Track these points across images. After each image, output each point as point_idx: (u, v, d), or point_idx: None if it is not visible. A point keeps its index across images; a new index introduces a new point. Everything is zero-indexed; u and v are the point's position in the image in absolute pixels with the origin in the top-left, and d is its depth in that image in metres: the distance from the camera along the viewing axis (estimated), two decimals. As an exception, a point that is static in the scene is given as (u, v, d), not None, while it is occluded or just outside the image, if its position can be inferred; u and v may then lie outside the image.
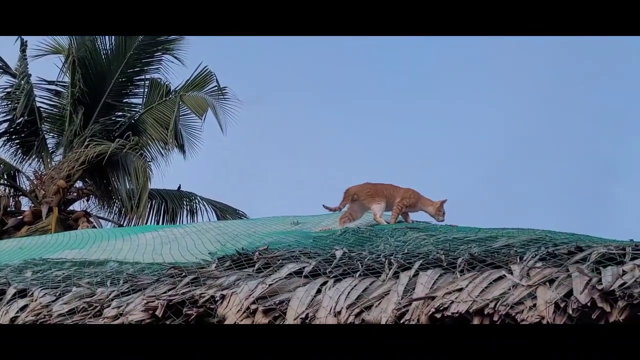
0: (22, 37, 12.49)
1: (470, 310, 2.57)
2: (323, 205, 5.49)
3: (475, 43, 16.04)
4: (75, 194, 12.41)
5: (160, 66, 13.14)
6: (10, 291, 3.59)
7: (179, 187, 13.05)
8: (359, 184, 5.51)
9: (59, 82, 12.82)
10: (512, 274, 2.73)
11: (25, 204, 12.23)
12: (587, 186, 17.05)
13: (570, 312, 2.40)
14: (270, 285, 3.06)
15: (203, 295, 3.12)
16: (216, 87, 12.72)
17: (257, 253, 3.56)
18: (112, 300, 3.33)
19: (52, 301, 3.45)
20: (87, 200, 12.65)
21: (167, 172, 12.85)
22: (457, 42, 16.38)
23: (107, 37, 12.69)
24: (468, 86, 18.86)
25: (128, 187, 11.65)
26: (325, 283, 3.03)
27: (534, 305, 2.50)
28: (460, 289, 2.70)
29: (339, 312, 2.81)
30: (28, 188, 12.33)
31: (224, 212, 12.65)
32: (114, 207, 12.55)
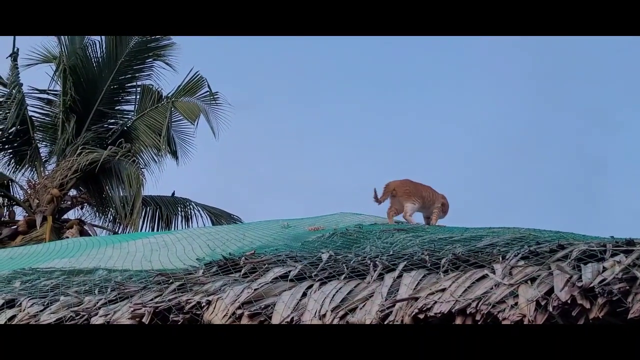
0: (14, 46, 12.51)
1: (453, 310, 2.58)
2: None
3: (460, 42, 16.08)
4: (69, 203, 12.38)
5: (152, 72, 13.14)
6: (-2, 302, 3.59)
7: (173, 193, 13.05)
8: (400, 179, 5.56)
9: (50, 90, 12.80)
10: (494, 273, 2.74)
11: (20, 214, 12.22)
12: (575, 183, 17.10)
13: (551, 309, 2.41)
14: (255, 289, 3.07)
15: (189, 301, 3.13)
16: (208, 93, 12.72)
17: (243, 258, 3.57)
18: (100, 308, 3.33)
19: (40, 311, 3.45)
20: (82, 209, 12.64)
21: (160, 178, 12.85)
22: (443, 41, 16.42)
23: (97, 44, 12.69)
24: (453, 84, 18.92)
25: (122, 194, 11.64)
26: (310, 286, 3.05)
27: (516, 303, 2.51)
28: (444, 289, 2.72)
29: (324, 315, 2.82)
30: (22, 197, 12.31)
31: (218, 217, 12.64)
32: (109, 215, 12.54)
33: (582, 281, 2.43)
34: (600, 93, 17.19)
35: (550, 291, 2.48)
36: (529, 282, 2.59)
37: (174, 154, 12.95)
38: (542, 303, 2.45)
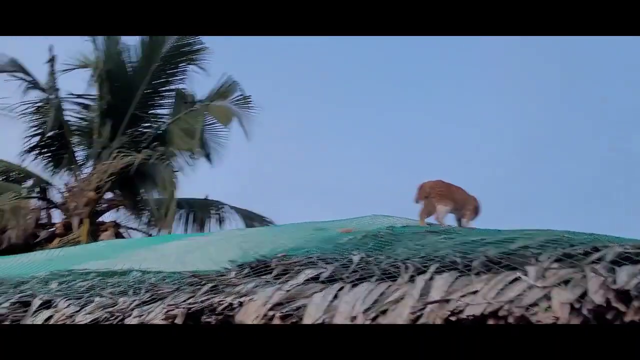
0: (51, 52, 12.75)
1: (485, 313, 2.56)
2: None
3: (482, 43, 15.94)
4: (105, 205, 12.59)
5: (185, 76, 13.28)
6: (36, 302, 3.66)
7: (207, 196, 13.16)
8: (433, 180, 5.55)
9: (86, 95, 13.04)
10: (527, 275, 2.71)
11: (57, 216, 12.45)
12: (611, 184, 16.79)
13: (585, 312, 2.38)
14: (287, 291, 3.09)
15: (221, 302, 3.15)
16: (241, 96, 12.83)
17: (275, 260, 3.58)
18: (134, 309, 3.38)
19: (76, 312, 3.52)
20: (117, 211, 12.84)
21: (194, 181, 13.00)
22: (463, 42, 16.29)
23: (132, 50, 12.89)
24: (483, 86, 18.75)
25: (156, 197, 11.79)
26: (342, 288, 3.05)
27: (549, 306, 2.48)
28: (475, 292, 2.69)
29: (355, 317, 2.82)
30: (59, 200, 12.54)
31: (251, 219, 12.72)
32: (143, 217, 12.70)
33: (617, 284, 2.39)
34: (630, 92, 16.87)
35: (585, 294, 2.45)
36: (562, 284, 2.56)
37: (208, 157, 13.07)
38: (576, 306, 2.42)
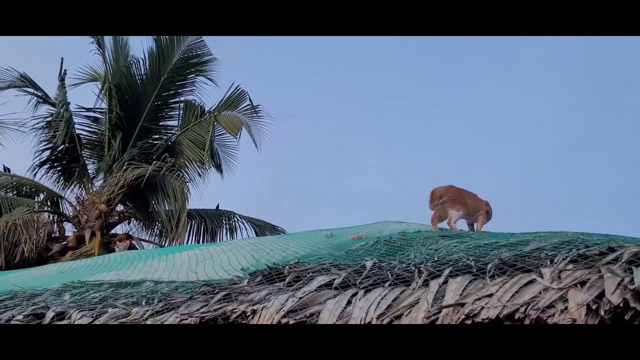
0: (61, 66, 12.84)
1: (501, 316, 2.53)
2: None
3: (507, 43, 15.85)
4: (116, 218, 12.62)
5: (194, 88, 13.33)
6: (49, 314, 3.66)
7: (218, 206, 13.17)
8: (444, 186, 5.57)
9: (96, 109, 13.10)
10: (542, 277, 2.68)
11: (69, 230, 12.49)
12: (629, 187, 16.63)
13: (603, 313, 2.35)
14: (300, 298, 3.07)
15: (235, 310, 3.14)
16: (249, 106, 12.84)
17: (287, 267, 3.57)
18: (147, 319, 3.37)
19: (89, 322, 3.51)
20: (129, 223, 12.87)
21: (205, 191, 13.00)
22: (487, 42, 16.21)
23: (141, 62, 12.93)
24: (500, 88, 18.67)
25: (167, 208, 11.80)
26: (355, 294, 3.03)
27: (566, 308, 2.46)
28: (490, 295, 2.67)
29: (369, 323, 2.80)
30: (71, 214, 12.59)
31: (262, 229, 12.72)
32: (155, 229, 12.72)
33: (634, 284, 2.36)
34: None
35: (601, 295, 2.42)
36: (578, 285, 2.53)
37: (218, 167, 13.09)
38: (593, 307, 2.39)
